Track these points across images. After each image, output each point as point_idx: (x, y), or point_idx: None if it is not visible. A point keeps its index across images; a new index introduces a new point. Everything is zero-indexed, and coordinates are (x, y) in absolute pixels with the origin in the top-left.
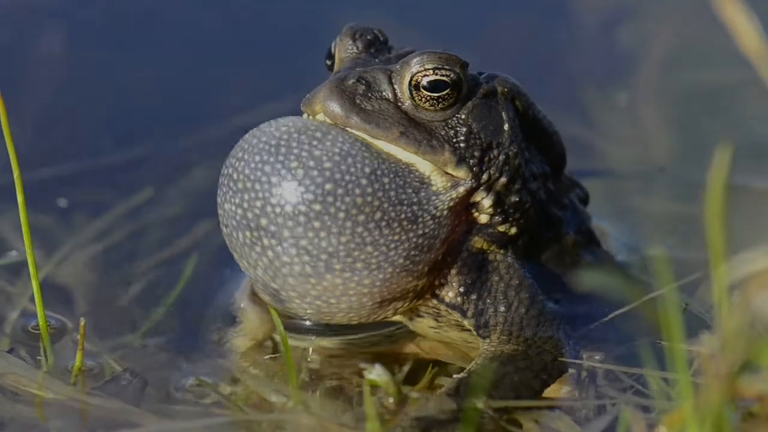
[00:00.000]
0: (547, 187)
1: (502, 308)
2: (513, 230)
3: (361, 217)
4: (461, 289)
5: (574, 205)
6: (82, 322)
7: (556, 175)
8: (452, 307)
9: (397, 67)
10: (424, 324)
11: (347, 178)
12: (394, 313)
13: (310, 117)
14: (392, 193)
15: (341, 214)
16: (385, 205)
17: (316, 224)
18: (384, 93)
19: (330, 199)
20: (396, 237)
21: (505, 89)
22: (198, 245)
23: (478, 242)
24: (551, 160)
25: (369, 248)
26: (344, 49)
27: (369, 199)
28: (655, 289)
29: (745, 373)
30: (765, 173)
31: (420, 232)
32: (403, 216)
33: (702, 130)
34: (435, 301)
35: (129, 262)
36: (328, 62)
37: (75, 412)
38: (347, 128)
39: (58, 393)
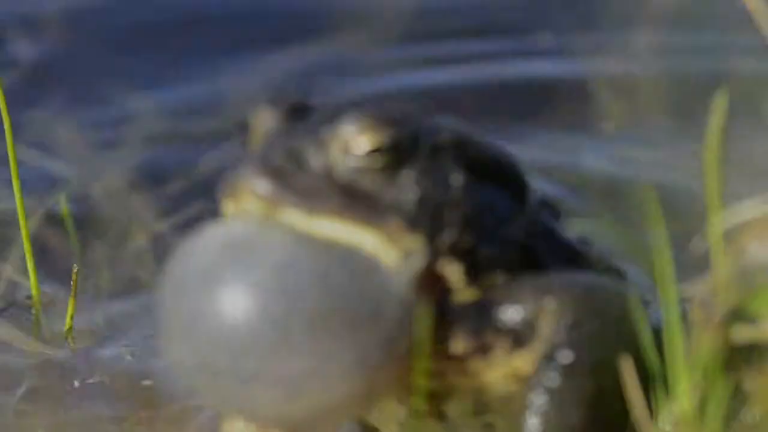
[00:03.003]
0: (518, 223)
1: (531, 298)
2: (498, 279)
3: (324, 330)
4: (470, 335)
5: (551, 230)
6: (75, 269)
7: (523, 207)
8: (471, 354)
9: (326, 134)
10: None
11: (297, 292)
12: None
13: (238, 207)
14: (348, 290)
15: (303, 333)
16: (345, 307)
17: (278, 351)
18: (315, 165)
19: (286, 322)
20: (365, 336)
21: (450, 139)
22: None
23: (464, 296)
24: (514, 193)
25: (341, 357)
26: (263, 121)
27: (326, 307)
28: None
29: (737, 321)
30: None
31: (389, 321)
32: (365, 312)
33: (698, 89)
34: (444, 363)
35: None
36: (242, 138)
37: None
38: (280, 210)
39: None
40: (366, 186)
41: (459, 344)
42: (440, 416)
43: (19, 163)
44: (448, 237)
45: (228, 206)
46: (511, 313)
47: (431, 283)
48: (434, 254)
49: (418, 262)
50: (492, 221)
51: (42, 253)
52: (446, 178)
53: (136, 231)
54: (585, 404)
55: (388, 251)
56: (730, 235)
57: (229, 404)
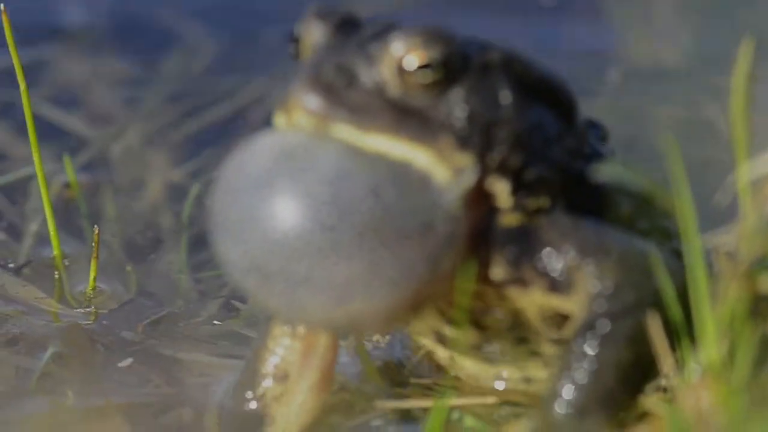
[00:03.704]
0: (566, 144)
1: (572, 252)
2: (544, 202)
3: (374, 240)
4: (510, 264)
5: (597, 152)
6: (96, 230)
7: (572, 127)
8: (508, 283)
9: (377, 50)
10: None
11: (349, 203)
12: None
13: (290, 121)
14: (398, 204)
15: (353, 243)
16: (395, 220)
17: (328, 258)
18: (366, 81)
19: (337, 230)
20: (413, 249)
21: (500, 57)
22: None
23: (509, 220)
24: (563, 113)
25: (388, 268)
26: (312, 33)
27: (377, 219)
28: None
29: (763, 270)
30: None
31: (437, 236)
32: (414, 225)
33: (719, 35)
34: (483, 287)
35: None
36: (293, 48)
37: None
38: (331, 125)
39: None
40: (417, 103)
41: (498, 271)
42: (477, 327)
43: (42, 122)
44: (497, 155)
45: (280, 119)
46: (550, 260)
47: (479, 200)
48: (483, 172)
49: (467, 179)
50: (540, 140)
51: (65, 215)
52: (496, 96)
53: (153, 185)
54: (621, 370)
55: (439, 168)
56: (757, 185)
57: (277, 306)
